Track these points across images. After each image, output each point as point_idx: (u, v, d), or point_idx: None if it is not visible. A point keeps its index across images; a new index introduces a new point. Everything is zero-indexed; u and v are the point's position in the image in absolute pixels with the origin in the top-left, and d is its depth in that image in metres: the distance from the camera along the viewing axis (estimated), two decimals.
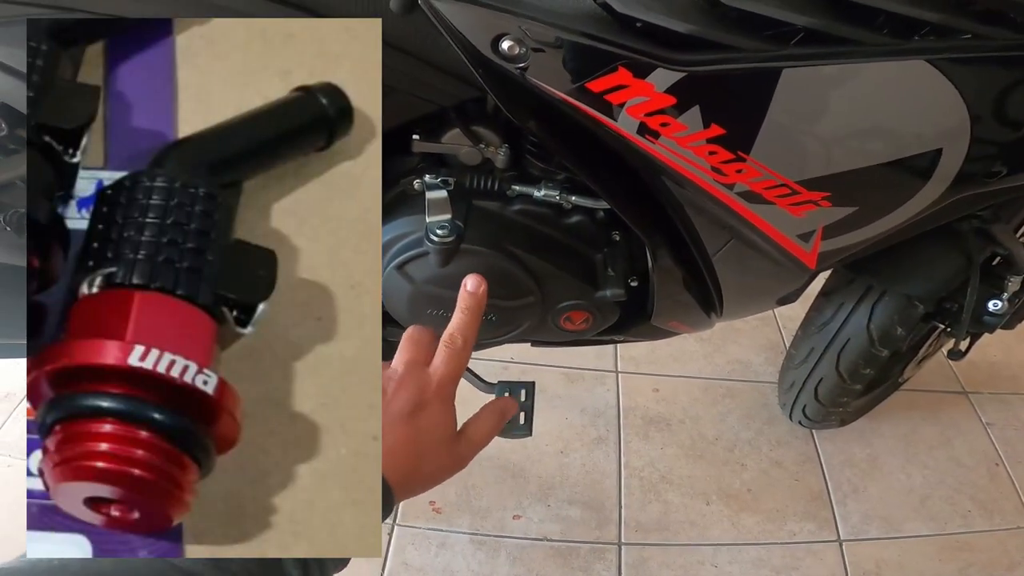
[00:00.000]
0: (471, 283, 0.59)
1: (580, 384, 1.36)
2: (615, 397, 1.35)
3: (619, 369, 1.40)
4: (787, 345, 1.40)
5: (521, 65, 0.54)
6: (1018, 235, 0.92)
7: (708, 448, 1.28)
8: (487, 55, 0.54)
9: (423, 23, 0.54)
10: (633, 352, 1.43)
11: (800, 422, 1.30)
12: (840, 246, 0.67)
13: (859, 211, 0.62)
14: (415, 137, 0.67)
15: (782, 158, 0.57)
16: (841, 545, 1.17)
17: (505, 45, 0.53)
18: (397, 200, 0.72)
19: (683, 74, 0.51)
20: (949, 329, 0.99)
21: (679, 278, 0.75)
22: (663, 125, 0.55)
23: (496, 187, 0.70)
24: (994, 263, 0.92)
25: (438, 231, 0.67)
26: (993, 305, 0.90)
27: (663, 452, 1.26)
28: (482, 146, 0.67)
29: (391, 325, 0.82)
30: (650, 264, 0.73)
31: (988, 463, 1.32)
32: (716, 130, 0.54)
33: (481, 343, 0.85)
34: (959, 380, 1.46)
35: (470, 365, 0.88)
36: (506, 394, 0.80)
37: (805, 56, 0.49)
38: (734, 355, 1.46)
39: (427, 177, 0.69)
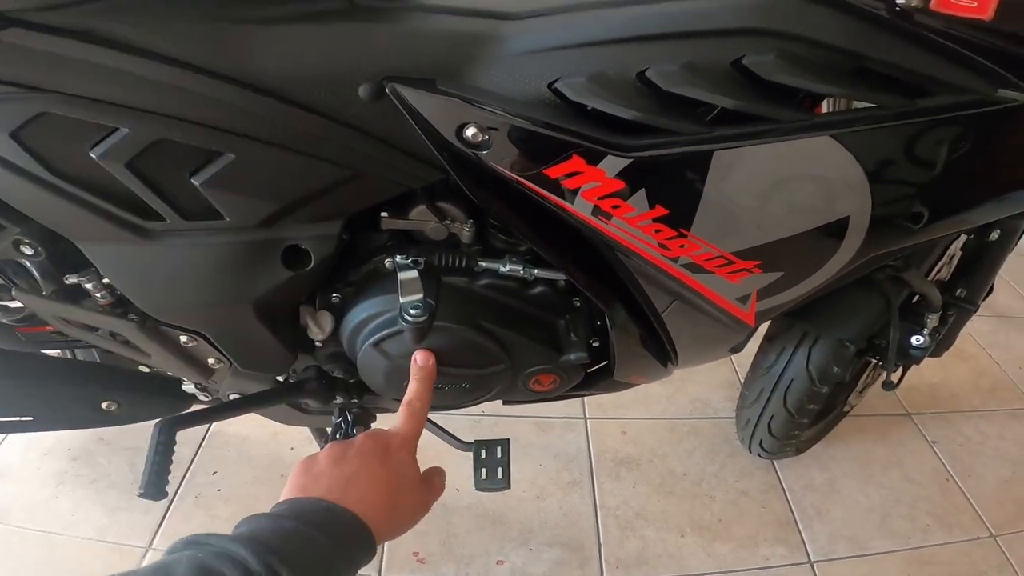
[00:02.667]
0: (420, 358, 0.70)
1: (551, 432, 1.40)
2: (585, 442, 1.40)
3: (587, 415, 1.45)
4: (742, 382, 1.48)
5: (483, 152, 0.59)
6: (930, 276, 1.01)
7: (677, 483, 1.33)
8: (451, 141, 0.59)
9: (390, 109, 0.58)
10: (600, 399, 1.48)
11: (759, 454, 1.36)
12: (774, 305, 0.73)
13: (786, 275, 0.69)
14: (383, 215, 0.69)
15: (718, 233, 0.63)
16: (813, 566, 1.22)
17: (468, 132, 0.58)
18: (369, 278, 0.74)
19: (630, 160, 0.57)
20: (881, 363, 1.07)
21: (636, 337, 0.79)
22: (614, 207, 0.61)
23: (463, 264, 0.73)
24: (913, 302, 1.01)
25: (412, 311, 0.68)
26: (916, 340, 0.99)
27: (635, 490, 1.31)
28: (448, 222, 0.70)
29: (368, 393, 0.85)
30: (609, 327, 0.77)
31: (939, 479, 1.40)
32: (660, 210, 0.61)
33: (456, 406, 0.89)
34: (902, 403, 1.55)
35: (446, 427, 0.94)
36: (482, 452, 0.85)
37: (731, 137, 0.56)
38: (694, 395, 1.53)
39: (398, 258, 0.71)
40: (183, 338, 0.76)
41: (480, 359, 0.77)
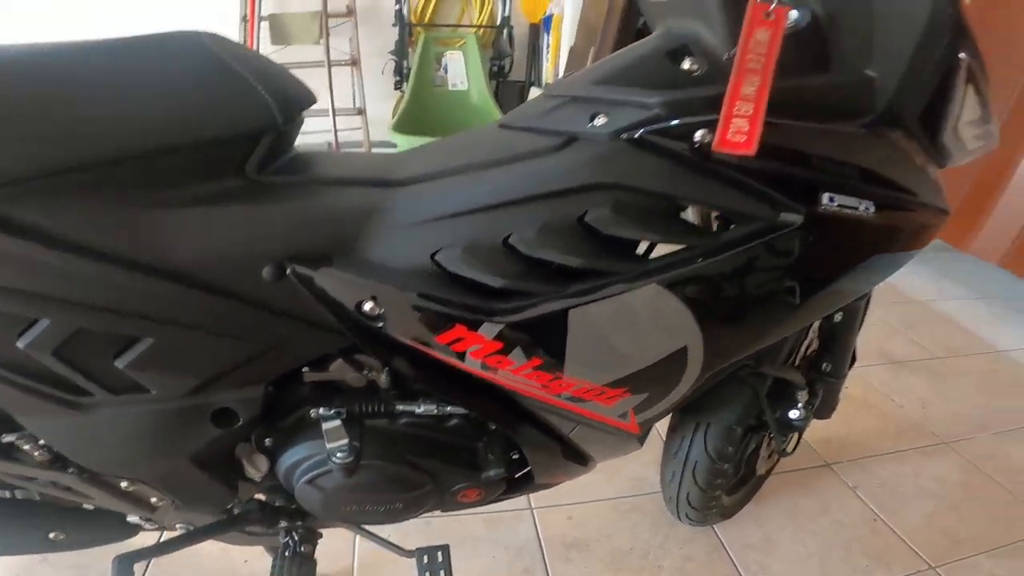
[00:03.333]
0: None
1: (500, 525, 1.44)
2: (534, 530, 1.44)
3: (533, 506, 1.50)
4: None
5: (379, 324, 0.66)
6: (797, 359, 1.14)
7: (626, 559, 1.38)
8: (353, 314, 0.65)
9: (295, 287, 0.63)
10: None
11: (689, 524, 1.43)
12: (651, 416, 0.82)
13: (651, 395, 0.78)
14: (305, 369, 0.75)
15: (586, 372, 0.72)
16: None
17: (366, 307, 0.65)
18: (296, 427, 0.79)
19: (503, 325, 0.66)
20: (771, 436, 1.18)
21: (549, 450, 0.86)
22: (498, 362, 0.69)
23: (383, 408, 0.80)
24: (782, 383, 1.13)
25: (338, 454, 0.74)
26: (793, 414, 1.11)
27: (587, 570, 1.35)
28: (365, 372, 0.77)
29: (309, 517, 0.90)
30: (520, 445, 0.84)
31: (867, 520, 1.49)
32: (536, 361, 0.69)
33: (394, 521, 0.93)
34: (820, 455, 1.67)
35: (385, 536, 0.97)
36: (424, 558, 0.90)
37: (581, 293, 0.65)
38: (631, 474, 1.60)
39: (321, 410, 0.77)
40: (124, 483, 0.79)
41: (407, 486, 0.83)
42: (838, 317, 1.10)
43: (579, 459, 0.90)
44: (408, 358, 0.71)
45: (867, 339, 2.22)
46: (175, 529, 0.93)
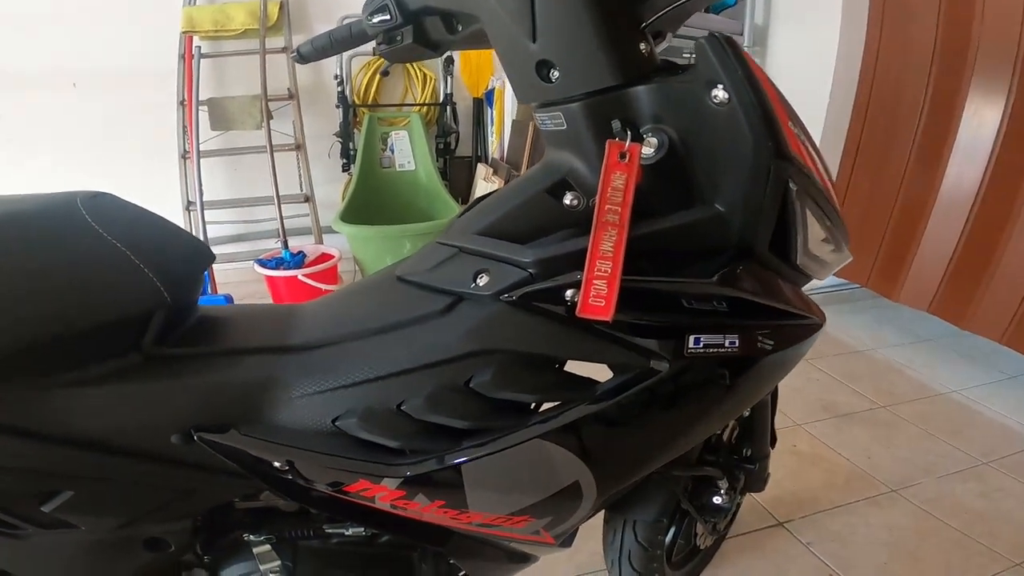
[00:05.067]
0: None
1: None
2: None
3: None
4: None
5: (290, 476, 0.68)
6: (716, 447, 1.16)
7: None
8: (263, 468, 0.67)
9: (203, 449, 0.64)
10: None
11: None
12: (563, 530, 0.81)
13: (555, 518, 0.77)
14: (236, 500, 0.77)
15: (488, 507, 0.73)
16: None
17: (276, 464, 0.67)
18: (231, 548, 0.80)
19: (402, 478, 0.67)
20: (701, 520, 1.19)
21: (485, 556, 0.86)
22: (405, 504, 0.70)
23: (313, 531, 0.81)
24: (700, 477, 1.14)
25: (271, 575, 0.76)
26: (717, 500, 1.12)
27: None
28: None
29: None
30: (455, 559, 0.85)
31: None
32: (440, 502, 0.70)
33: None
34: (772, 515, 1.68)
35: None
36: None
37: (471, 448, 0.66)
38: (591, 549, 1.58)
39: (252, 536, 0.78)
40: None
41: None
42: (746, 411, 1.12)
43: (518, 558, 0.90)
44: (324, 500, 0.73)
45: (809, 393, 2.28)
46: None
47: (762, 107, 0.60)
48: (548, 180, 0.68)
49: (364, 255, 3.04)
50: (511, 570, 0.94)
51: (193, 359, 0.65)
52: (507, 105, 3.59)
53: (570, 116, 0.64)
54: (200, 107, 3.14)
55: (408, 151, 3.67)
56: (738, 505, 1.20)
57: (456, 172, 3.84)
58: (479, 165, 3.77)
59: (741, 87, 0.59)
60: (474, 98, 3.83)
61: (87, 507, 0.65)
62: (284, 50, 3.30)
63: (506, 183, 3.17)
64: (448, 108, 3.77)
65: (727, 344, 0.69)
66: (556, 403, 0.68)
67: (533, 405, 0.71)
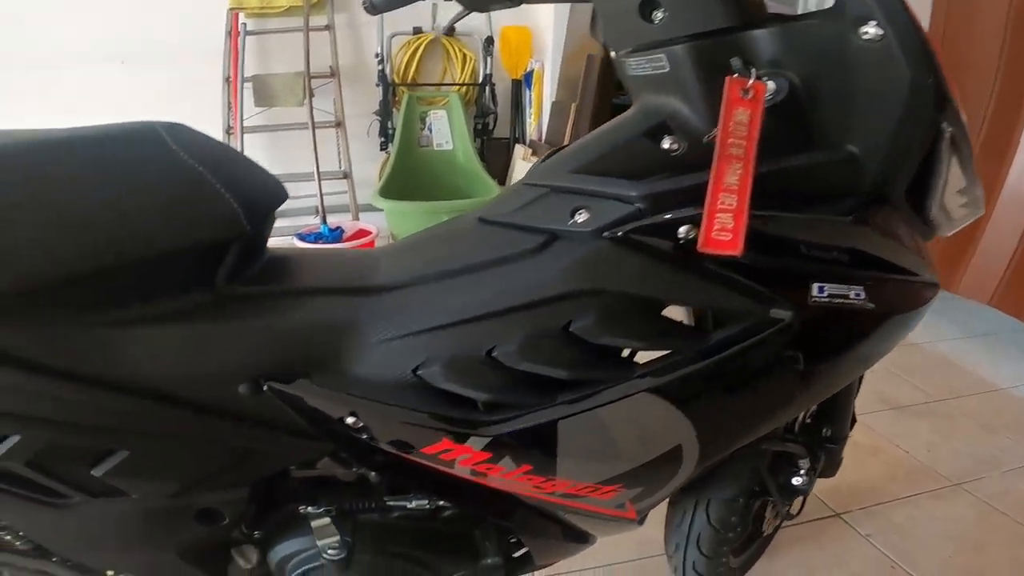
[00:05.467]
0: None
1: None
2: None
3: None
4: None
5: (365, 436, 0.64)
6: (794, 428, 1.12)
7: None
8: (336, 427, 0.63)
9: (271, 402, 0.60)
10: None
11: None
12: (648, 504, 0.79)
13: (646, 488, 0.74)
14: (292, 468, 0.73)
15: (579, 473, 0.69)
16: None
17: (349, 420, 0.62)
18: (286, 522, 0.76)
19: (490, 437, 0.63)
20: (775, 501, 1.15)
21: (549, 533, 0.82)
22: (488, 469, 0.66)
23: (373, 504, 0.77)
24: (783, 452, 1.10)
25: (330, 551, 0.72)
26: (796, 480, 1.07)
27: None
28: (354, 468, 0.74)
29: None
30: (518, 533, 0.81)
31: (884, 568, 1.44)
32: (527, 467, 0.66)
33: None
34: (828, 506, 1.61)
35: None
36: None
37: (570, 402, 0.62)
38: (636, 536, 1.53)
39: (310, 508, 0.74)
40: (110, 573, 0.74)
41: None
42: None
43: (580, 538, 0.86)
44: (394, 464, 0.69)
45: (867, 386, 2.17)
46: None
47: (923, 43, 0.56)
48: (646, 123, 0.64)
49: (402, 231, 3.03)
50: (570, 551, 0.90)
51: (266, 299, 0.61)
52: (546, 87, 3.54)
53: (674, 59, 0.61)
54: (245, 84, 3.16)
55: (446, 131, 3.64)
56: (807, 494, 1.14)
57: (493, 153, 3.79)
58: (517, 146, 3.72)
59: (899, 22, 0.56)
60: (512, 80, 3.79)
61: (142, 470, 0.61)
62: (327, 28, 3.29)
63: None
64: (487, 89, 3.73)
65: (852, 295, 0.64)
66: (662, 354, 0.64)
67: (633, 356, 0.67)
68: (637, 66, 0.64)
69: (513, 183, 0.70)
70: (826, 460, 1.12)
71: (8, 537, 0.69)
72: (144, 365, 0.56)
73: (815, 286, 0.63)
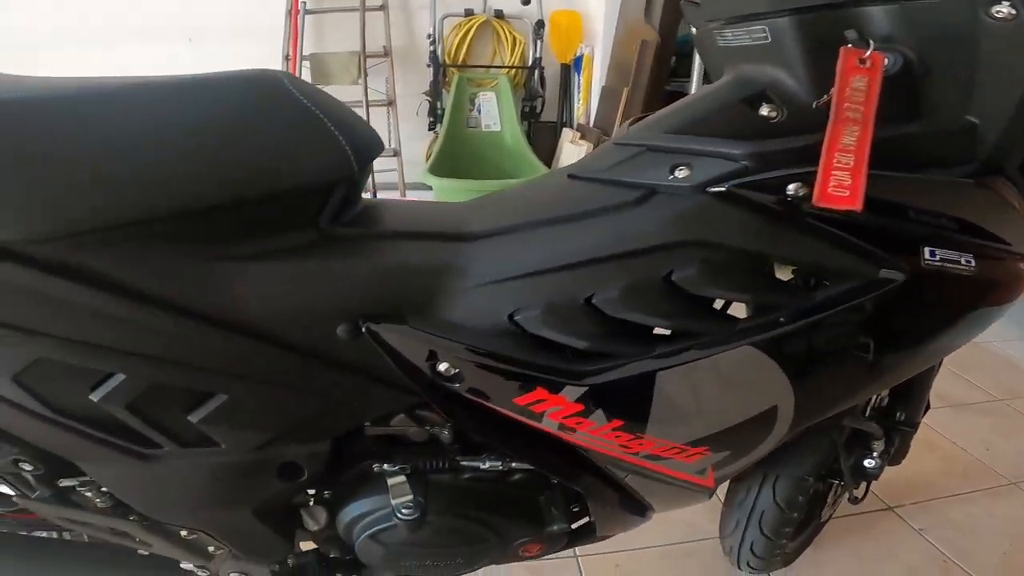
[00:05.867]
0: None
1: (544, 572, 1.38)
2: None
3: (578, 554, 1.44)
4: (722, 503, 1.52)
5: (457, 384, 0.64)
6: (868, 411, 1.10)
7: None
8: (427, 374, 0.63)
9: (368, 345, 0.61)
10: None
11: (749, 573, 1.36)
12: (729, 472, 0.79)
13: (733, 452, 0.75)
14: (367, 424, 0.73)
15: (669, 432, 0.69)
16: None
17: (441, 367, 0.63)
18: (358, 480, 0.77)
19: (586, 387, 0.63)
20: (843, 484, 1.14)
21: (613, 502, 0.83)
22: (577, 423, 0.66)
23: (446, 464, 0.77)
24: (858, 433, 1.08)
25: (404, 510, 0.72)
26: (868, 463, 1.05)
27: None
28: (428, 427, 0.75)
29: (365, 568, 0.87)
30: (586, 499, 0.82)
31: (937, 563, 1.40)
32: (617, 422, 0.67)
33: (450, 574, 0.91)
34: (881, 499, 1.58)
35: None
36: None
37: (669, 355, 0.63)
38: (681, 519, 1.53)
39: (386, 466, 0.75)
40: (184, 532, 0.77)
41: (470, 540, 0.80)
42: None
43: (640, 510, 0.87)
44: (478, 417, 0.69)
45: None
46: None
47: None
48: (743, 92, 0.64)
49: None
50: (630, 523, 0.90)
51: (365, 241, 0.62)
52: (596, 72, 3.52)
53: (778, 30, 0.61)
54: (303, 62, 3.24)
55: (495, 112, 3.65)
56: (875, 479, 1.12)
57: (539, 136, 3.79)
58: (564, 130, 3.71)
59: None
60: (561, 64, 3.77)
61: (237, 417, 0.63)
62: (382, 8, 3.33)
63: (595, 147, 3.12)
64: (536, 72, 3.72)
65: (963, 262, 0.64)
66: (764, 311, 0.64)
67: (721, 308, 0.67)
68: (733, 37, 0.65)
69: (602, 144, 0.70)
70: (897, 445, 1.10)
71: (89, 494, 0.71)
72: (249, 301, 0.57)
73: (926, 250, 0.63)
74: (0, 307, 0.53)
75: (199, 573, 0.90)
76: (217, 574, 0.89)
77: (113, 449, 0.63)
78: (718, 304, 0.69)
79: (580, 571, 1.39)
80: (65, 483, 0.70)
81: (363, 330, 0.60)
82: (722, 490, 1.32)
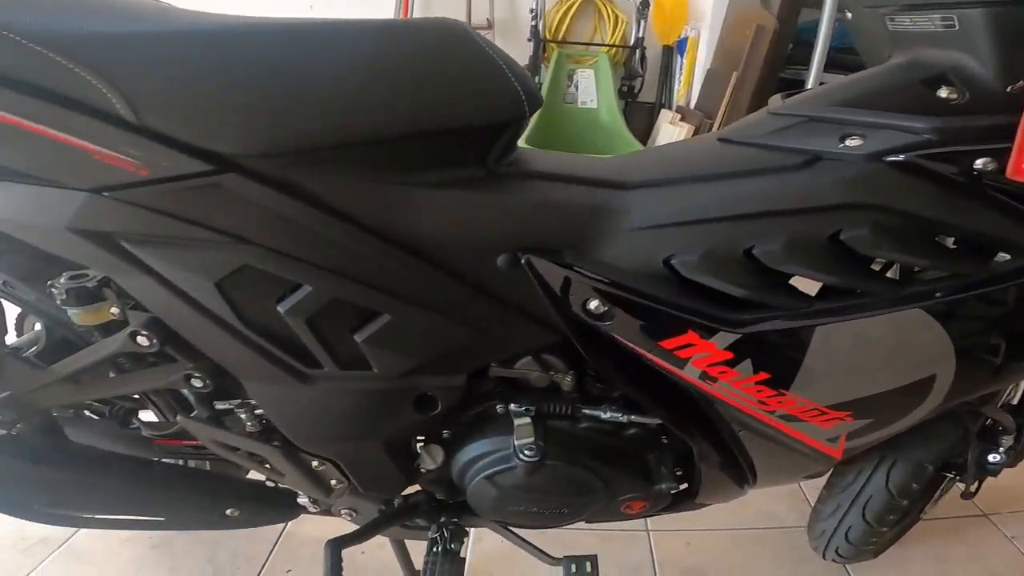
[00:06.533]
0: None
1: (614, 543, 1.39)
2: (648, 553, 1.38)
3: (650, 528, 1.44)
4: (805, 493, 1.49)
5: (605, 323, 0.66)
6: (1000, 402, 1.03)
7: None
8: (576, 312, 0.66)
9: (522, 278, 0.65)
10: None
11: (834, 560, 1.32)
12: (862, 443, 0.77)
13: (875, 421, 0.73)
14: (493, 364, 0.76)
15: (814, 391, 0.69)
16: None
17: (592, 305, 0.65)
18: (479, 420, 0.81)
19: (740, 335, 0.64)
20: (959, 478, 1.09)
21: (719, 465, 0.83)
22: (721, 373, 0.67)
23: (568, 411, 0.79)
24: (988, 425, 1.04)
25: (526, 452, 0.74)
26: (992, 458, 1.01)
27: None
28: (551, 373, 0.77)
29: (467, 513, 0.91)
30: (697, 460, 0.82)
31: None
32: (763, 375, 0.67)
33: (550, 527, 0.93)
34: (977, 505, 1.50)
35: (533, 541, 0.97)
36: (572, 567, 0.89)
37: (831, 311, 0.63)
38: (758, 507, 1.51)
39: (513, 406, 0.78)
40: (315, 462, 0.82)
41: (581, 489, 0.82)
42: None
43: (742, 480, 0.86)
44: (617, 359, 0.70)
45: None
46: (339, 515, 0.96)
47: None
48: (922, 73, 0.65)
49: None
50: (729, 493, 0.90)
51: (528, 180, 0.66)
52: (700, 55, 3.43)
53: (968, 20, 0.62)
54: None
55: (592, 89, 3.63)
56: (992, 476, 1.07)
57: (634, 115, 3.74)
58: (663, 111, 3.64)
59: None
60: (663, 45, 3.69)
61: (393, 339, 0.67)
62: None
63: (697, 130, 3.05)
64: (636, 52, 3.66)
65: None
66: (934, 278, 0.64)
67: (881, 270, 0.67)
68: (912, 23, 0.66)
69: (754, 112, 0.73)
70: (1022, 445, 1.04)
71: (243, 415, 0.78)
72: (423, 226, 0.63)
73: None
74: (221, 215, 0.59)
75: (311, 508, 0.96)
76: (328, 509, 0.95)
77: (279, 367, 0.69)
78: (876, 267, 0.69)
79: (651, 545, 1.40)
80: (221, 406, 0.78)
81: (521, 261, 0.64)
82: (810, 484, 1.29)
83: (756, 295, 0.63)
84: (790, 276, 0.63)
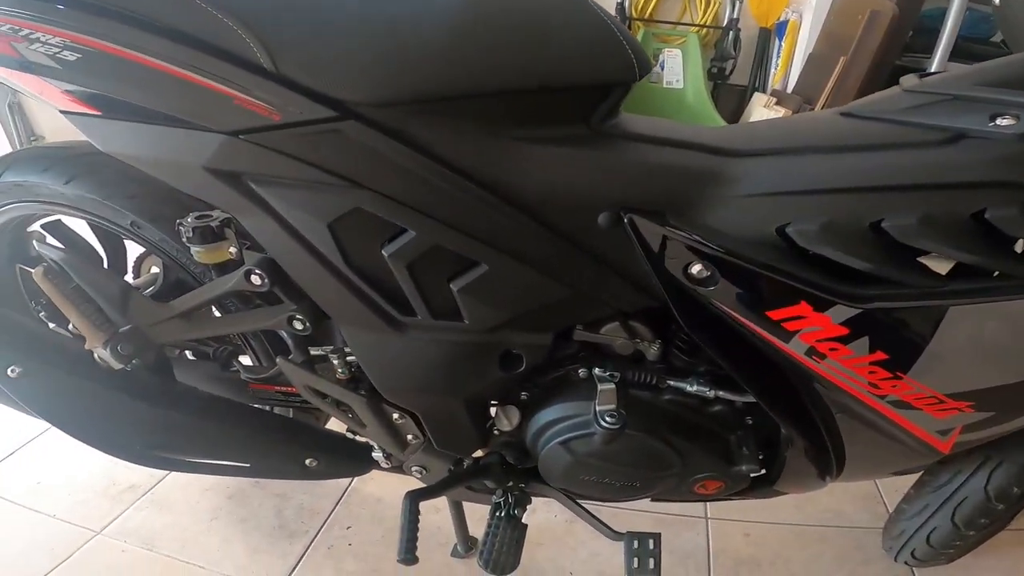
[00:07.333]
0: None
1: (669, 528, 1.37)
2: (704, 540, 1.35)
3: (708, 515, 1.41)
4: (882, 494, 1.40)
5: (707, 289, 0.64)
6: None
7: None
8: (677, 276, 0.64)
9: (623, 239, 0.64)
10: (723, 502, 1.45)
11: (906, 562, 1.26)
12: (976, 438, 0.72)
13: (996, 415, 0.68)
14: (578, 327, 0.74)
15: (935, 377, 0.64)
16: None
17: (694, 269, 0.63)
18: (560, 383, 0.80)
19: (860, 310, 0.60)
20: None
21: (807, 452, 0.79)
22: (831, 349, 0.63)
23: (652, 380, 0.77)
24: None
25: (607, 418, 0.72)
26: None
27: None
28: (637, 340, 0.75)
29: (534, 480, 0.90)
30: (784, 444, 0.79)
31: None
32: (880, 355, 0.63)
33: (619, 500, 0.92)
34: None
35: (598, 514, 0.95)
36: (635, 543, 0.87)
37: (968, 292, 0.59)
38: (827, 505, 1.44)
39: (597, 370, 0.76)
40: (396, 415, 0.84)
41: (657, 463, 0.81)
42: None
43: (827, 471, 0.82)
44: (714, 330, 0.68)
45: None
46: (409, 473, 0.98)
47: None
48: None
49: None
50: (810, 484, 0.87)
51: (633, 141, 0.65)
52: (802, 38, 3.27)
53: None
54: None
55: (679, 70, 3.51)
56: None
57: (725, 99, 3.59)
58: (756, 94, 3.50)
59: None
60: (760, 27, 3.53)
61: (488, 290, 0.68)
62: None
63: (795, 113, 2.93)
64: (730, 34, 3.53)
65: None
66: None
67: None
68: None
69: (883, 91, 0.70)
70: None
71: (336, 361, 0.81)
72: (528, 180, 0.64)
73: None
74: (339, 159, 0.62)
75: (383, 463, 0.99)
76: (400, 466, 0.97)
77: (376, 312, 0.71)
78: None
79: (708, 533, 1.37)
80: (315, 352, 0.82)
81: (624, 220, 0.63)
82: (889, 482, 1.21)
83: (882, 270, 0.59)
84: (919, 253, 0.59)
